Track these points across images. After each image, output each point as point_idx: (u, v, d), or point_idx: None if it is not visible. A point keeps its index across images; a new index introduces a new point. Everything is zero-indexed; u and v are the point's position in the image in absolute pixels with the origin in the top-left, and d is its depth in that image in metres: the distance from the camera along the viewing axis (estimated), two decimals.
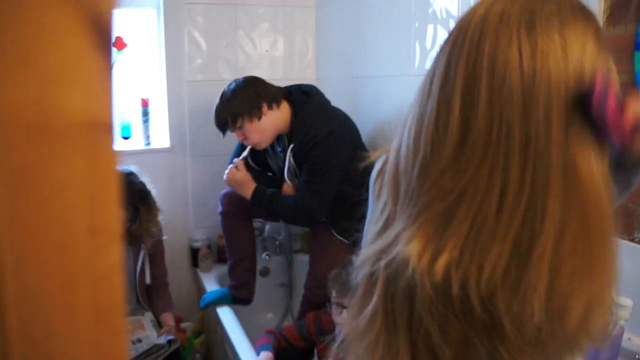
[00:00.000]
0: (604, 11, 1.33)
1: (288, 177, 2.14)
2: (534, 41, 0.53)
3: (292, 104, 2.12)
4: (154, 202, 2.05)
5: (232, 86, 2.07)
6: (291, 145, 2.08)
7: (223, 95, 2.07)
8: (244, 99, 2.03)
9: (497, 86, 0.54)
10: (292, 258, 2.83)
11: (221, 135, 2.12)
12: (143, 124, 2.61)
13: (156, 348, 1.87)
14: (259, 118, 2.03)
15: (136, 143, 2.65)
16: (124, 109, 2.61)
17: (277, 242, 2.79)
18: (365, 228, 0.81)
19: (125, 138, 2.63)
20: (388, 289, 0.62)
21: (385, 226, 0.64)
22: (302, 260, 2.80)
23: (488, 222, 0.54)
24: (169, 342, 1.92)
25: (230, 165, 2.15)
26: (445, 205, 0.56)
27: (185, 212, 2.73)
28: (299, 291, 2.80)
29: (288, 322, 2.80)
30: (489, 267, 0.53)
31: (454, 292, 0.54)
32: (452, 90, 0.56)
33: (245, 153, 2.16)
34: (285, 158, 2.13)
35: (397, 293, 0.61)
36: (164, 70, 2.60)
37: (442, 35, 1.83)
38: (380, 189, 0.71)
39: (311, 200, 2.04)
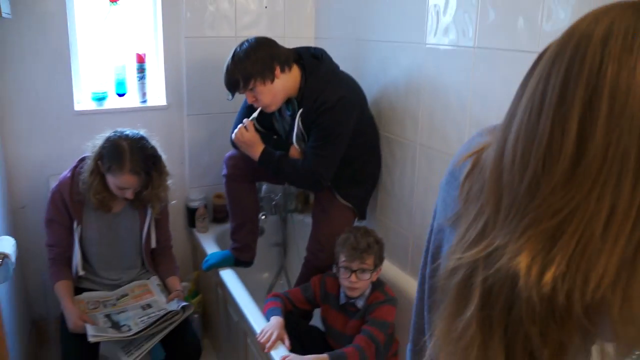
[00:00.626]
0: None
1: (296, 141, 2.14)
2: None
3: (302, 68, 2.09)
4: (164, 167, 2.02)
5: (244, 46, 2.02)
6: (300, 110, 2.06)
7: (235, 55, 2.01)
8: (257, 60, 1.99)
9: (617, 113, 0.54)
10: (288, 217, 2.85)
11: (230, 96, 2.07)
12: (139, 80, 2.53)
13: (171, 314, 1.89)
14: (272, 81, 2.00)
15: (132, 100, 2.57)
16: (118, 64, 2.52)
17: (274, 203, 2.80)
18: (442, 223, 0.82)
19: (121, 95, 2.55)
20: (487, 298, 0.65)
21: (482, 234, 0.66)
22: (297, 220, 2.84)
23: (595, 239, 0.56)
24: (183, 308, 1.93)
25: (240, 125, 2.12)
26: (554, 222, 0.58)
27: (182, 172, 2.70)
28: (293, 250, 2.85)
29: (282, 281, 2.86)
30: (596, 279, 0.56)
31: (559, 301, 0.58)
32: (569, 113, 0.56)
33: (255, 114, 2.12)
34: (293, 122, 2.12)
35: (498, 302, 0.64)
36: (160, 26, 2.50)
37: (461, 5, 1.82)
38: (469, 191, 0.72)
39: (318, 165, 2.05)
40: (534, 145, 0.60)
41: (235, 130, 2.13)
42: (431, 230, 0.86)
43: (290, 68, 2.05)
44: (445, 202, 0.82)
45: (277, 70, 2.00)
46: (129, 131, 1.97)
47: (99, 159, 1.93)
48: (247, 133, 2.11)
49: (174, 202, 2.23)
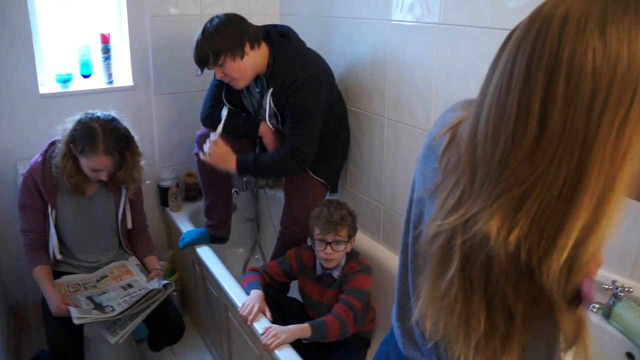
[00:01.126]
0: None
1: (269, 120, 2.18)
2: (604, 46, 0.59)
3: (269, 45, 2.11)
4: (137, 147, 2.03)
5: (214, 22, 2.02)
6: (271, 89, 2.10)
7: (205, 30, 2.02)
8: (227, 36, 2.00)
9: (572, 92, 0.61)
10: (259, 193, 2.90)
11: (199, 71, 2.08)
12: (104, 61, 2.50)
13: (153, 293, 1.93)
14: (242, 57, 2.03)
15: (98, 81, 2.55)
16: (82, 44, 2.48)
17: (244, 179, 2.84)
18: (421, 191, 0.89)
19: (86, 76, 2.52)
20: (467, 259, 0.73)
21: (460, 203, 0.74)
22: (268, 196, 2.89)
23: (552, 204, 0.65)
24: (165, 286, 1.97)
25: (208, 141, 2.13)
26: (521, 190, 0.66)
27: (152, 152, 2.70)
28: (265, 225, 2.91)
29: (257, 256, 2.93)
30: (549, 237, 0.65)
31: (522, 258, 0.67)
32: (533, 93, 0.64)
33: (219, 129, 2.16)
34: (262, 99, 2.16)
35: (476, 263, 0.72)
36: (124, 4, 2.47)
37: None
38: (447, 164, 0.79)
39: (301, 145, 2.10)
40: (504, 123, 0.67)
41: (205, 149, 2.13)
42: (411, 201, 0.93)
43: (259, 45, 2.07)
44: (423, 175, 0.89)
45: (247, 47, 2.03)
46: (100, 113, 1.97)
47: (70, 142, 1.93)
48: (218, 148, 2.13)
49: (148, 182, 2.25)
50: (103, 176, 1.96)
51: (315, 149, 2.14)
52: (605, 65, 0.60)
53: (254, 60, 2.07)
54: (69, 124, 1.96)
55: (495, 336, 0.74)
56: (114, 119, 1.96)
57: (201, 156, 2.17)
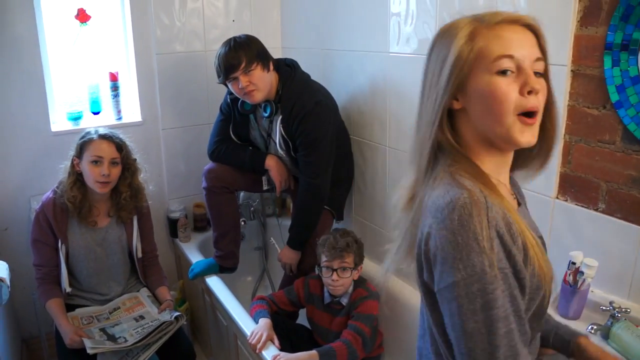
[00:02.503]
0: (577, 12, 1.49)
1: (279, 147, 2.24)
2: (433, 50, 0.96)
3: (278, 73, 2.19)
4: (132, 153, 2.16)
5: (241, 37, 2.12)
6: (280, 117, 2.17)
7: (235, 41, 2.10)
8: (260, 47, 2.12)
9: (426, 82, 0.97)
10: (267, 222, 2.95)
11: (219, 80, 2.14)
12: (113, 98, 2.59)
13: (165, 325, 1.97)
14: (268, 70, 2.12)
15: (107, 118, 2.63)
16: (92, 83, 2.58)
17: (252, 208, 2.90)
18: None
19: (96, 113, 2.61)
20: None
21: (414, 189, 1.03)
22: (275, 224, 2.94)
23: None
24: (176, 318, 2.02)
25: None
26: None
27: (161, 184, 2.77)
28: (274, 253, 2.95)
29: (266, 283, 2.96)
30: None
31: None
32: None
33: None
34: (271, 125, 2.23)
35: None
36: (131, 44, 2.57)
37: (421, 16, 1.95)
38: None
39: (314, 178, 2.18)
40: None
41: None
42: None
43: (273, 69, 2.17)
44: None
45: (271, 64, 2.13)
46: None
47: (74, 156, 2.05)
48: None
49: (151, 202, 2.31)
50: (105, 169, 2.00)
51: (329, 178, 2.20)
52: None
53: (271, 79, 2.15)
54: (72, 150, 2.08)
55: None
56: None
57: None
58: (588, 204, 1.59)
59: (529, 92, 0.87)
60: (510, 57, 0.87)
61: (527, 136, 0.89)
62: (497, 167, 0.97)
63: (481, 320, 0.81)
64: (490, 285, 0.81)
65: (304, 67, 2.29)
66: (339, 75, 2.49)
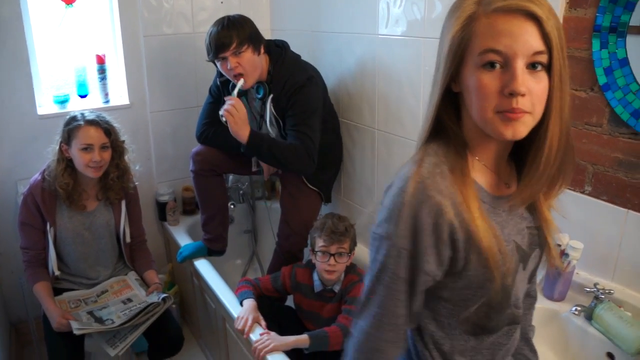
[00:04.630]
0: None
1: (269, 125, 2.22)
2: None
3: (268, 55, 2.17)
4: (119, 135, 2.14)
5: (234, 16, 2.08)
6: (271, 96, 2.15)
7: (228, 20, 2.06)
8: (253, 29, 2.09)
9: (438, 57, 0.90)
10: (255, 205, 2.95)
11: (208, 57, 2.09)
12: (100, 81, 2.56)
13: (152, 306, 1.97)
14: (259, 53, 2.10)
15: (94, 101, 2.60)
16: (79, 65, 2.54)
17: (241, 192, 2.89)
18: None
19: (83, 97, 2.58)
20: None
21: None
22: (264, 207, 2.94)
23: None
24: (164, 299, 2.02)
25: (229, 101, 2.03)
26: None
27: (149, 168, 2.75)
28: (263, 236, 2.96)
29: (255, 266, 2.97)
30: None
31: None
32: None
33: (235, 92, 2.08)
34: (263, 106, 2.21)
35: None
36: (118, 26, 2.53)
37: None
38: None
39: (307, 141, 2.10)
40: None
41: (227, 106, 2.02)
42: None
43: (264, 52, 2.15)
44: None
45: (262, 47, 2.11)
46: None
47: (61, 142, 2.03)
48: (236, 110, 2.02)
49: (137, 182, 2.29)
50: (96, 156, 1.99)
51: (317, 149, 2.14)
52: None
53: (262, 62, 2.13)
54: (58, 135, 2.05)
55: None
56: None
57: (221, 116, 2.05)
58: (574, 186, 1.59)
59: (510, 94, 0.79)
60: (497, 51, 0.79)
61: (511, 130, 0.81)
62: (495, 154, 0.93)
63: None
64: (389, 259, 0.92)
65: (293, 49, 2.27)
66: (328, 57, 2.47)
